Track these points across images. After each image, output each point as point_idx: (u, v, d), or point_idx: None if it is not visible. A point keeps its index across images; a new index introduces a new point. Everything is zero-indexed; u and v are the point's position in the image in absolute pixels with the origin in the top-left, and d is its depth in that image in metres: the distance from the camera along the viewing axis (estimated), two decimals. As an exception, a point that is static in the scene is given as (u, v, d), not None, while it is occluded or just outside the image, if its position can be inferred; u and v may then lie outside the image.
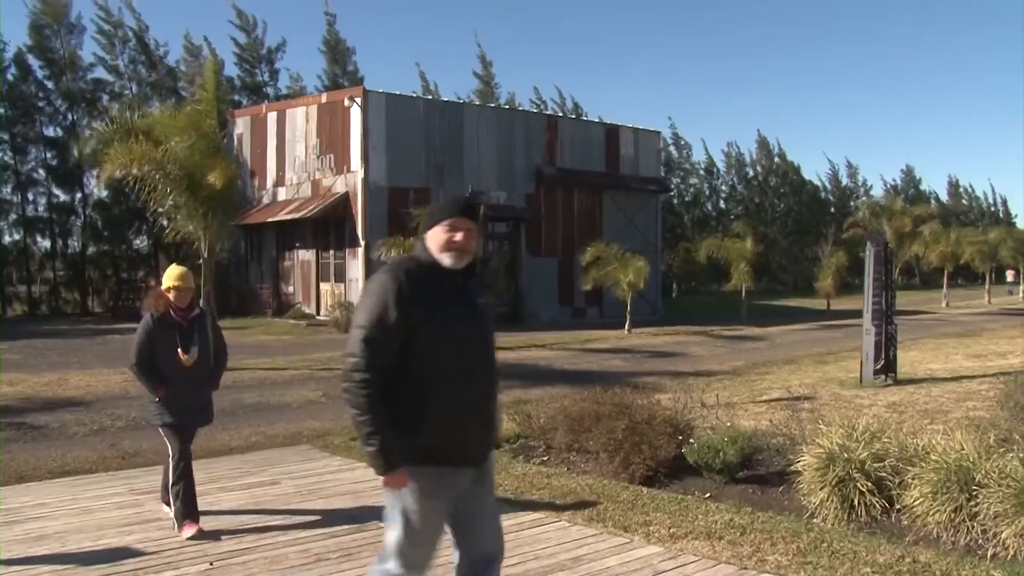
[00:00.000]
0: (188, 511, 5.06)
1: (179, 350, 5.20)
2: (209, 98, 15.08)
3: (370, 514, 5.46)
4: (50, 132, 32.47)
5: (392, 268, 2.98)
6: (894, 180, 69.15)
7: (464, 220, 2.97)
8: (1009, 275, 47.29)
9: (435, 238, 2.98)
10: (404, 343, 2.84)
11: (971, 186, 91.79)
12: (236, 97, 35.84)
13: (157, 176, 14.05)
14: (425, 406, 2.86)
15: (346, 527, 5.18)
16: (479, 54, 45.97)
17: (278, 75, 37.68)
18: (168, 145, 14.25)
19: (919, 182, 70.22)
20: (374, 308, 2.85)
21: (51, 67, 31.91)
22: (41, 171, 32.57)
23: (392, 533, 2.97)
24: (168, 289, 5.30)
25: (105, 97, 32.83)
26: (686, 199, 52.82)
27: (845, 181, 63.84)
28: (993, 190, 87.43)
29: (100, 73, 33.14)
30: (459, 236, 2.95)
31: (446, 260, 2.95)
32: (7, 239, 32.31)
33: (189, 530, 4.98)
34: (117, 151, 13.92)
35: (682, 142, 52.84)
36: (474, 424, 2.99)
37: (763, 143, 57.36)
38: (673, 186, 48.41)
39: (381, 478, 2.91)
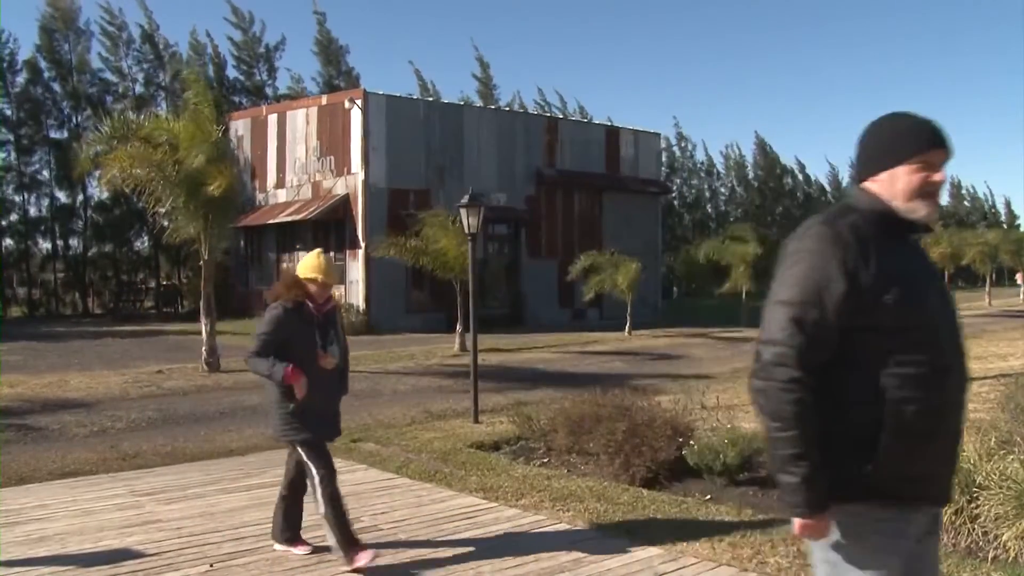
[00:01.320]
0: (352, 539, 4.43)
1: (319, 349, 4.49)
2: (205, 104, 15.02)
3: (371, 516, 5.47)
4: (56, 135, 32.58)
5: (830, 219, 2.14)
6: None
7: (941, 152, 2.18)
8: (1018, 278, 46.96)
9: (900, 181, 2.14)
10: (853, 330, 2.05)
11: (972, 187, 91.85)
12: (236, 98, 35.85)
13: (156, 179, 14.03)
14: (885, 421, 2.04)
15: (346, 529, 5.17)
16: (476, 56, 45.89)
17: (277, 74, 37.65)
18: (167, 148, 14.22)
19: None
20: (809, 276, 2.05)
21: (57, 68, 32.04)
22: (44, 173, 32.71)
23: None
24: (308, 281, 4.56)
25: (109, 99, 32.93)
26: (688, 201, 52.82)
27: (846, 182, 63.96)
28: (991, 192, 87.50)
29: (105, 75, 33.32)
30: (939, 176, 2.17)
31: (921, 210, 2.14)
32: (8, 241, 32.34)
33: (364, 557, 4.34)
34: (119, 154, 13.90)
35: (685, 143, 52.90)
36: (948, 444, 2.17)
37: (762, 145, 57.47)
38: (675, 187, 48.40)
39: (795, 521, 2.09)
